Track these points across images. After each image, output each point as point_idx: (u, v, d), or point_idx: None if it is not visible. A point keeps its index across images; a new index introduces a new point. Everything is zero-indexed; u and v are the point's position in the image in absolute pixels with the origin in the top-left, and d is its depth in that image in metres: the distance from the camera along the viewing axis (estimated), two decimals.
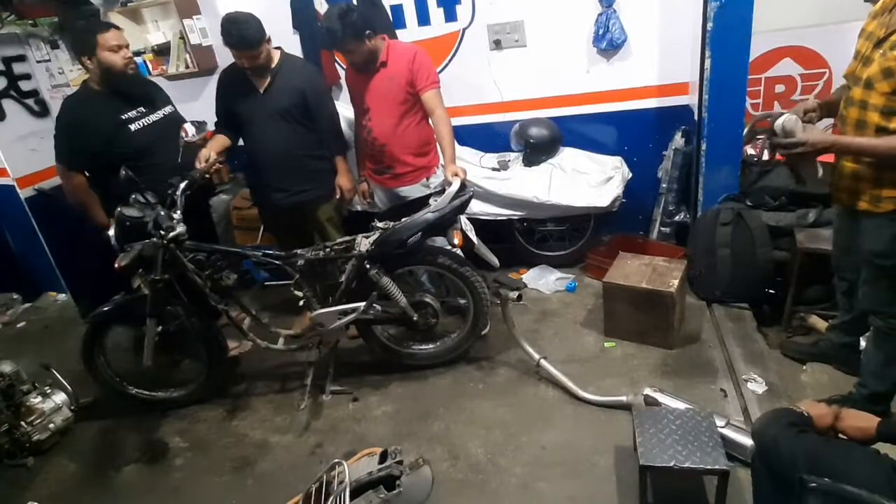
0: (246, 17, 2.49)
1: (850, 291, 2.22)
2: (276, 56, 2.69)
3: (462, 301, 2.67)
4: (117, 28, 2.55)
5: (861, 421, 1.44)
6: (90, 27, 2.56)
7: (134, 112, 2.62)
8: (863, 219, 1.87)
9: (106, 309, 2.53)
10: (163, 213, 2.34)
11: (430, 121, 2.76)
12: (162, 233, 2.31)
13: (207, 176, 2.69)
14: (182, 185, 2.44)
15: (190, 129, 2.54)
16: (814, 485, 1.31)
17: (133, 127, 2.61)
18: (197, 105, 3.82)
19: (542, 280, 3.36)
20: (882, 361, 2.05)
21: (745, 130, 2.89)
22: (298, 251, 2.47)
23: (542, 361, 2.55)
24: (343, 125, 2.99)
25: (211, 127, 2.82)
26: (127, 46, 2.54)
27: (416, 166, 2.81)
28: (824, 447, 1.41)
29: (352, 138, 3.35)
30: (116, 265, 2.30)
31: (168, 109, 2.78)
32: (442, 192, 2.49)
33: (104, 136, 2.54)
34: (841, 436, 1.47)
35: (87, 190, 2.66)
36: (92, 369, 2.61)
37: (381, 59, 2.64)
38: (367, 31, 2.54)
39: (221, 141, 2.77)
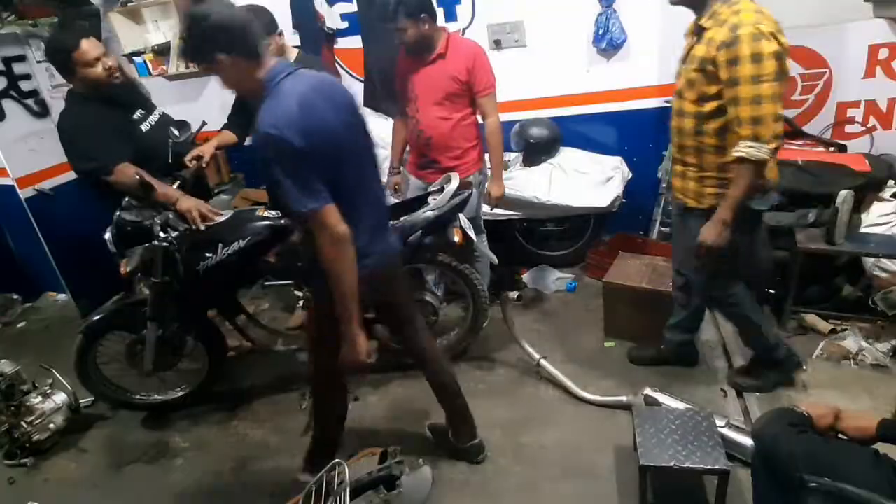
0: (255, 7, 2.46)
1: (686, 286, 2.32)
2: (293, 55, 2.70)
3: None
4: (88, 37, 2.37)
5: (861, 421, 1.44)
6: (62, 46, 2.34)
7: (138, 114, 2.57)
8: (691, 215, 2.06)
9: (98, 318, 2.49)
10: (171, 216, 2.33)
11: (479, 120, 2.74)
12: (171, 235, 2.30)
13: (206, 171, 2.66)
14: (175, 186, 2.43)
15: (174, 131, 2.51)
16: (814, 484, 1.31)
17: (144, 127, 2.56)
18: (197, 105, 3.83)
19: (543, 280, 3.36)
20: (741, 335, 2.29)
21: None
22: None
23: (542, 361, 2.55)
24: None
25: (195, 128, 2.82)
26: (104, 54, 2.39)
27: (464, 158, 2.75)
28: (824, 447, 1.41)
29: None
30: (122, 270, 2.30)
31: (160, 111, 2.71)
32: (441, 190, 2.48)
33: (121, 131, 2.45)
34: (841, 436, 1.47)
35: (135, 172, 2.33)
36: (85, 380, 2.57)
37: (438, 51, 2.58)
38: (423, 14, 2.47)
39: (225, 137, 2.77)
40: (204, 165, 2.64)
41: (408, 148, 2.94)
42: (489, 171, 2.79)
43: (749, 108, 1.71)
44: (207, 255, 2.32)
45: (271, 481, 2.29)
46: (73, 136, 2.44)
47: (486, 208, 3.24)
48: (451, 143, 2.71)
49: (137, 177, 2.25)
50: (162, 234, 2.29)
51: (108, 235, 2.35)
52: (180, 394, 2.75)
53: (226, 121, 2.86)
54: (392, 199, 3.15)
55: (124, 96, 2.55)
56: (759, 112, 1.71)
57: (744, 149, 1.75)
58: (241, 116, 2.81)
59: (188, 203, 2.36)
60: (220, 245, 2.31)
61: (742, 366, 2.47)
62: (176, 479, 2.40)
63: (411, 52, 2.62)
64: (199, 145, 2.69)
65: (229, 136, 2.80)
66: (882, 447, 1.40)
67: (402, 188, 3.04)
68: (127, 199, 2.36)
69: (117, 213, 2.35)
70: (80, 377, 2.56)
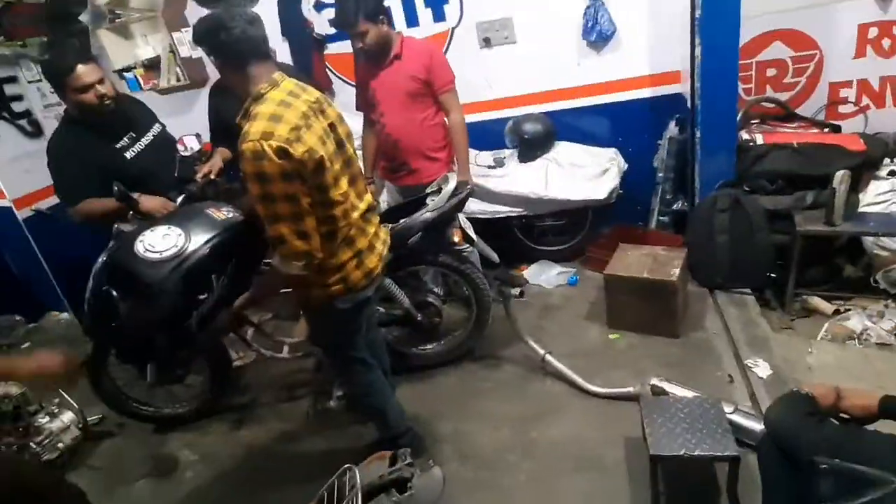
0: None
1: None
2: None
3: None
4: (87, 61, 2.32)
5: (863, 399, 1.45)
6: (57, 67, 2.33)
7: (125, 140, 2.50)
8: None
9: None
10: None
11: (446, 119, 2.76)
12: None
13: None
14: (179, 200, 2.43)
15: (188, 142, 2.52)
16: (824, 466, 1.32)
17: (128, 155, 2.50)
18: (191, 117, 3.82)
19: (544, 275, 3.36)
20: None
21: (739, 115, 2.90)
22: None
23: (548, 356, 2.55)
24: None
25: (206, 139, 2.82)
26: (101, 81, 2.32)
27: (434, 159, 2.78)
28: (845, 435, 1.41)
29: None
30: None
31: (157, 129, 2.65)
32: (439, 191, 2.49)
33: (100, 166, 2.41)
34: (843, 415, 1.47)
35: (95, 207, 2.42)
36: (98, 387, 2.57)
37: (395, 52, 2.61)
38: (381, 16, 2.51)
39: (225, 153, 2.77)
40: (213, 178, 2.63)
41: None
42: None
43: (269, 227, 1.56)
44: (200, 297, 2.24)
45: (281, 490, 2.29)
46: (50, 163, 2.45)
47: (482, 206, 3.25)
48: (419, 145, 2.73)
49: (116, 188, 2.21)
50: None
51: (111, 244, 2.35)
52: (187, 408, 2.75)
53: (211, 137, 2.85)
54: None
55: (114, 123, 2.47)
56: (277, 231, 1.55)
57: (274, 261, 1.65)
58: (226, 134, 2.79)
59: (151, 203, 2.35)
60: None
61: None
62: (186, 493, 2.40)
63: (369, 57, 2.66)
64: (208, 155, 2.68)
65: (227, 153, 2.79)
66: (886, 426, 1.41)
67: (376, 197, 3.04)
68: (130, 213, 2.34)
69: (116, 225, 2.35)
70: (92, 384, 2.54)
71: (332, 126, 1.72)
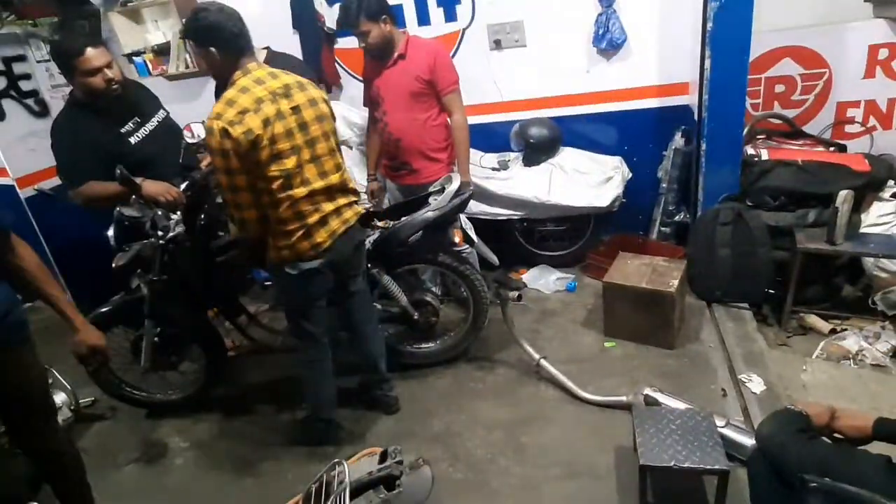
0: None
1: None
2: (262, 55, 2.66)
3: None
4: (97, 45, 2.32)
5: (857, 420, 1.45)
6: (66, 49, 2.30)
7: (130, 124, 2.50)
8: None
9: (105, 310, 2.49)
10: (160, 213, 2.34)
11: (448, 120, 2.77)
12: (160, 233, 2.31)
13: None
14: (182, 186, 2.43)
15: (195, 129, 2.51)
16: (814, 484, 1.31)
17: (133, 140, 2.50)
18: (198, 104, 3.82)
19: (542, 280, 3.36)
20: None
21: (745, 130, 2.90)
22: None
23: (542, 361, 2.55)
24: (341, 125, 2.99)
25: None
26: (109, 65, 2.31)
27: (435, 160, 2.78)
28: (835, 454, 1.41)
29: (352, 139, 3.36)
30: (114, 265, 2.30)
31: (161, 115, 2.65)
32: (441, 190, 2.49)
33: (105, 150, 2.40)
34: (837, 435, 1.47)
35: (97, 191, 2.42)
36: (92, 371, 2.59)
37: (399, 52, 2.62)
38: (384, 16, 2.53)
39: None
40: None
41: None
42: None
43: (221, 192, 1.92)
44: (220, 233, 2.41)
45: (271, 481, 2.29)
46: (53, 144, 2.46)
47: (484, 207, 3.25)
48: (420, 145, 2.73)
49: (119, 171, 2.19)
50: (160, 233, 2.30)
51: (110, 232, 2.36)
52: (180, 395, 2.75)
53: None
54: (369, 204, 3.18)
55: (119, 107, 2.46)
56: (224, 198, 1.93)
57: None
58: None
59: (154, 188, 2.34)
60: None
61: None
62: (175, 480, 2.40)
63: (374, 55, 2.66)
64: None
65: None
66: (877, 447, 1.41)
67: (379, 194, 3.04)
68: (133, 196, 2.35)
69: (117, 208, 2.35)
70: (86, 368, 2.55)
71: (296, 108, 1.88)
